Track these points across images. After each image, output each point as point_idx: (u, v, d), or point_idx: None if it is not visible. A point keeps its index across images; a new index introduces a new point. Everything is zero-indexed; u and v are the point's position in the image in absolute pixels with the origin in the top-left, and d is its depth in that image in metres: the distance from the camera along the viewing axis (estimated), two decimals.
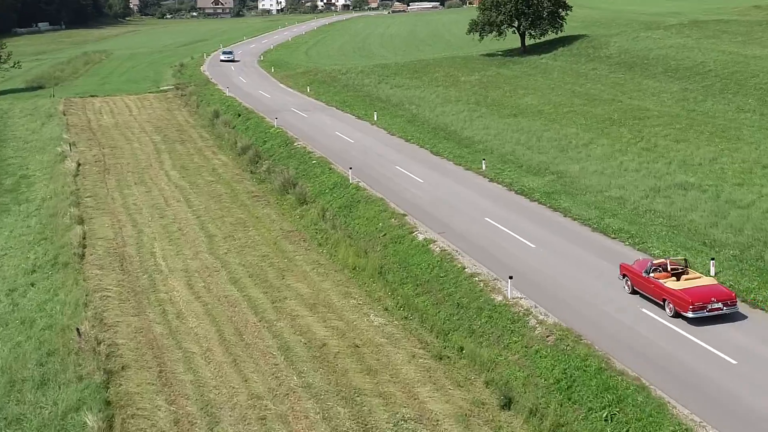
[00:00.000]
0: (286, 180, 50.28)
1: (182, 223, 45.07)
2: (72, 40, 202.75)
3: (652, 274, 28.61)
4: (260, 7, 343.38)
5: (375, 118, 67.16)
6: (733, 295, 27.54)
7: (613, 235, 36.47)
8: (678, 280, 28.06)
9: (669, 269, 28.73)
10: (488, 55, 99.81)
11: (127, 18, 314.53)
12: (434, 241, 37.12)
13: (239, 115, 73.15)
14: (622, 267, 30.43)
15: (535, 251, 34.94)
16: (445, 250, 35.94)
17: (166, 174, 56.51)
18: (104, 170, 58.07)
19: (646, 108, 63.90)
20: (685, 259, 29.83)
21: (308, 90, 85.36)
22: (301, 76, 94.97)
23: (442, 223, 39.63)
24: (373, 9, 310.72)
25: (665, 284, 27.85)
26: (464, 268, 33.70)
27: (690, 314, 26.82)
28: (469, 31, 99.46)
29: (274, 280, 36.22)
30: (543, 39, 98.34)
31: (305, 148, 58.05)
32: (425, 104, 72.09)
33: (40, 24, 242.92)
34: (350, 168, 49.26)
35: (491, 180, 46.79)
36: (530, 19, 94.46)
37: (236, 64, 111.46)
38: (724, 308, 27.03)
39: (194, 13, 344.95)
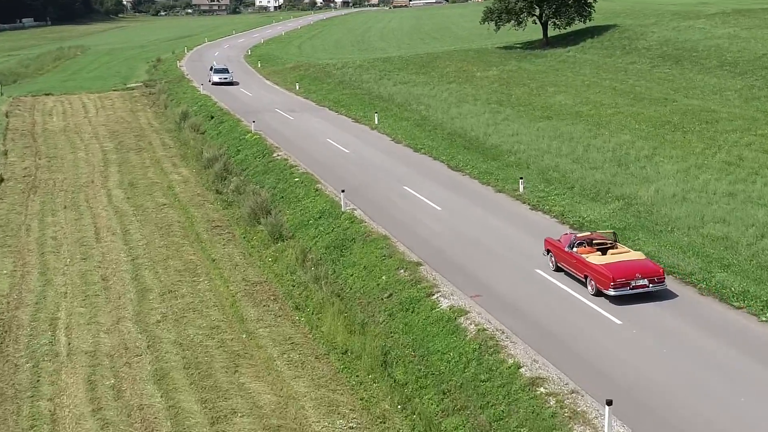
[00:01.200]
0: (257, 205, 37.45)
1: (109, 270, 32.24)
2: (55, 36, 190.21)
3: (575, 249, 25.53)
4: (257, 3, 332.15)
5: (376, 122, 54.38)
6: (661, 270, 24.32)
7: (736, 303, 23.69)
8: (603, 254, 24.99)
9: (594, 244, 25.78)
10: (505, 47, 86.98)
11: (119, 15, 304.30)
12: (466, 312, 24.26)
13: (212, 118, 60.28)
14: (547, 242, 27.27)
15: (625, 335, 22.10)
16: (484, 329, 23.08)
17: (108, 194, 43.66)
18: (30, 189, 45.23)
19: (711, 109, 50.99)
20: (614, 233, 27.08)
21: (297, 87, 72.53)
22: (290, 72, 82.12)
23: (474, 278, 26.81)
24: (374, 5, 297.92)
25: (587, 259, 24.76)
26: (519, 367, 20.85)
27: (611, 291, 23.68)
28: (484, 20, 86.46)
29: (222, 375, 23.33)
30: (567, 29, 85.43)
31: (287, 160, 45.25)
32: (436, 104, 59.15)
33: (24, 20, 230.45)
34: (342, 191, 36.33)
35: (534, 207, 33.97)
36: (554, 6, 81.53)
37: (219, 59, 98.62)
38: (650, 285, 23.95)
39: (189, 10, 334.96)
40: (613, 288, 23.52)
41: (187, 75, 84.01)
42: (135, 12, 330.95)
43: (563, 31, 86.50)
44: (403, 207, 34.98)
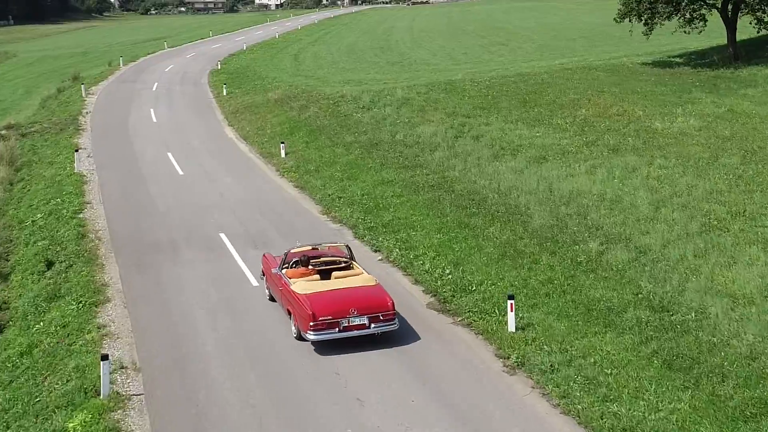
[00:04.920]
0: None
1: None
2: (3, 38, 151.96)
3: (284, 270, 17.31)
4: (257, 1, 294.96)
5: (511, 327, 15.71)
6: (390, 303, 16.16)
7: None
8: (325, 279, 16.94)
9: (314, 262, 17.61)
10: (655, 63, 48.28)
11: (104, 13, 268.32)
12: None
13: (48, 266, 21.91)
14: (264, 260, 19.14)
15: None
16: None
17: None
18: None
19: None
20: (348, 246, 18.83)
21: (282, 153, 33.62)
22: (273, 109, 43.30)
23: None
24: (387, 2, 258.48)
25: (291, 286, 16.52)
26: None
27: (310, 335, 15.69)
28: (623, 17, 47.47)
29: None
30: (762, 32, 46.84)
31: None
32: (634, 226, 20.18)
33: None
34: None
35: None
36: None
37: (165, 81, 59.40)
38: (372, 326, 15.90)
39: (182, 9, 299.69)
40: (313, 330, 15.50)
41: (86, 116, 45.16)
42: (122, 10, 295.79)
43: (756, 35, 47.81)
44: None
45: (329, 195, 27.33)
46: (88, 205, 27.22)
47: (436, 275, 19.99)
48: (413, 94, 42.66)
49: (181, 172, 31.69)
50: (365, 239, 23.20)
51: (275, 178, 30.66)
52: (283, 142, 33.84)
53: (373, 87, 45.98)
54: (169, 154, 34.66)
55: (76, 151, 32.40)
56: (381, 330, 16.14)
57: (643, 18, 46.46)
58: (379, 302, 16.22)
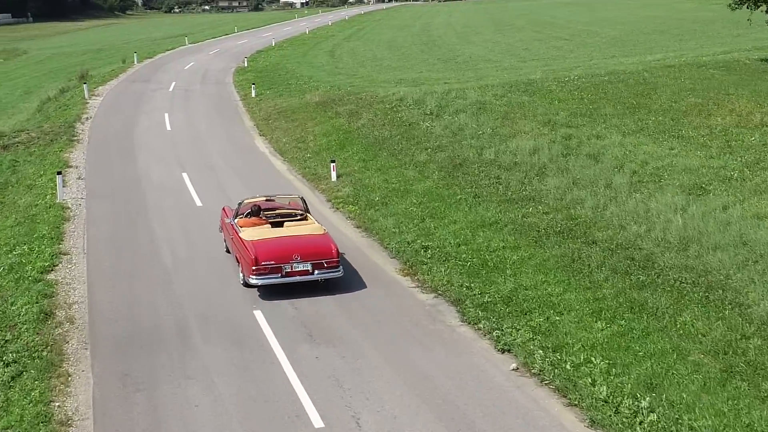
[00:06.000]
0: None
1: None
2: (20, 35, 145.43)
3: (236, 219, 17.45)
4: (282, 0, 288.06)
5: None
6: (335, 252, 16.31)
7: None
8: (276, 228, 16.98)
9: (267, 213, 17.67)
10: None
11: (127, 11, 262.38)
12: None
13: None
14: (222, 213, 19.26)
15: None
16: None
17: None
18: None
19: None
20: (303, 198, 18.85)
21: (331, 174, 25.10)
22: (314, 113, 34.83)
23: None
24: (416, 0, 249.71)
25: (240, 233, 16.77)
26: None
27: (253, 279, 15.93)
28: (738, 3, 38.76)
29: None
30: None
31: None
32: None
33: None
34: None
35: None
36: None
37: (184, 80, 51.17)
38: (316, 272, 16.14)
39: (206, 7, 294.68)
40: (255, 274, 15.79)
41: (84, 122, 36.81)
42: (146, 8, 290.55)
43: None
44: None
45: (408, 243, 18.88)
46: (65, 257, 18.90)
47: (626, 412, 11.51)
48: (489, 96, 34.08)
49: (199, 203, 23.34)
50: (480, 326, 14.76)
51: (327, 212, 22.22)
52: (333, 161, 25.38)
53: (434, 88, 37.44)
54: (185, 176, 26.33)
55: (59, 173, 23.93)
56: (324, 276, 16.24)
57: (763, 4, 37.75)
58: (323, 249, 16.29)
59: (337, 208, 22.42)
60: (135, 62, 61.86)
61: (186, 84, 48.90)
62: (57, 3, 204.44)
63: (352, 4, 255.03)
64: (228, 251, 18.28)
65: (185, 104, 41.47)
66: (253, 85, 43.87)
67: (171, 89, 46.82)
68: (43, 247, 19.32)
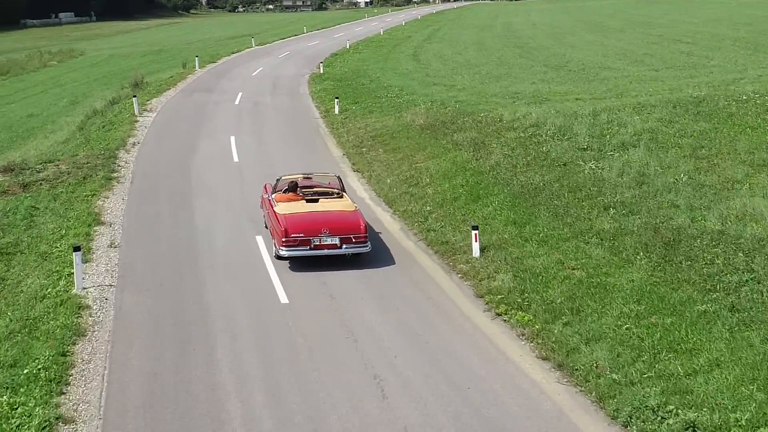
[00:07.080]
0: None
1: None
2: (80, 34, 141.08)
3: (274, 195, 17.80)
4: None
5: None
6: (363, 227, 16.40)
7: None
8: (312, 204, 17.24)
9: (304, 190, 17.82)
10: None
11: (191, 10, 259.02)
12: None
13: None
14: (263, 189, 19.64)
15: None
16: None
17: None
18: None
19: None
20: (339, 177, 19.07)
21: (473, 247, 16.87)
22: (424, 143, 26.62)
23: None
24: None
25: (275, 207, 17.10)
26: None
27: (283, 251, 16.14)
28: None
29: None
30: None
31: None
32: None
33: (62, 14, 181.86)
34: None
35: None
36: None
37: (252, 90, 43.43)
38: (344, 246, 16.23)
39: (270, 6, 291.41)
40: (285, 246, 16.03)
41: (129, 150, 29.10)
42: (210, 7, 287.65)
43: None
44: None
45: (654, 412, 10.53)
46: (70, 426, 10.99)
47: None
48: (652, 122, 25.55)
49: (284, 298, 15.30)
50: None
51: (481, 319, 14.05)
52: (476, 227, 17.09)
53: (568, 107, 29.00)
54: (259, 240, 18.38)
55: (76, 249, 15.95)
56: (352, 251, 16.33)
57: None
58: (352, 225, 16.47)
59: (498, 314, 14.21)
60: (196, 67, 54.39)
61: (254, 95, 41.25)
62: (120, 2, 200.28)
63: (416, 3, 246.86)
64: (266, 227, 18.08)
65: (255, 123, 33.71)
66: (336, 99, 35.90)
67: (237, 102, 39.20)
68: (39, 390, 11.52)
